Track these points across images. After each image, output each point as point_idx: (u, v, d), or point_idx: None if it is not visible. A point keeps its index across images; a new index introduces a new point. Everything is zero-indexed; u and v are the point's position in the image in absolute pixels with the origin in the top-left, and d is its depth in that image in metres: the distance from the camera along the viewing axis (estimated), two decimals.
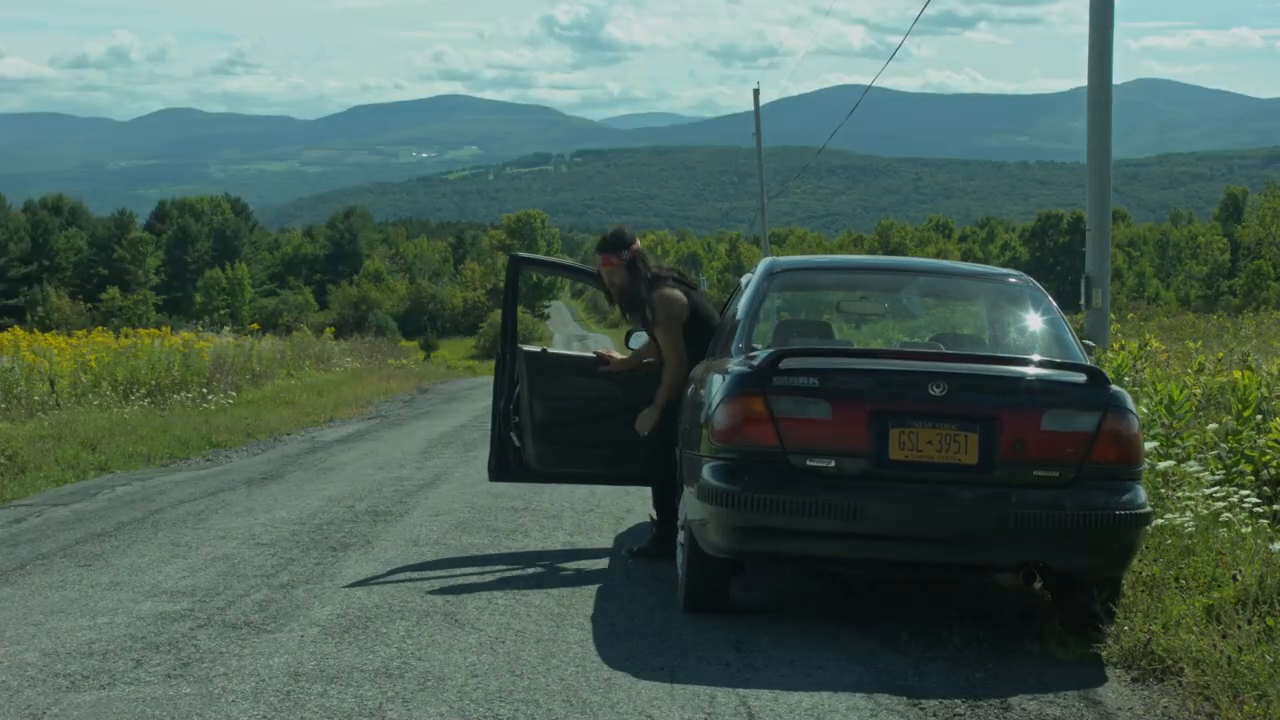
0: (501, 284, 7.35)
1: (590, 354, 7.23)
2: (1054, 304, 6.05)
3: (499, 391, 7.03)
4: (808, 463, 5.00)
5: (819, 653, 4.95)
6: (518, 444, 6.99)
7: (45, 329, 35.10)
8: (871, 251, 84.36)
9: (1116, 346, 10.61)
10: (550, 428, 6.90)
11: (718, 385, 5.30)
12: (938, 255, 76.39)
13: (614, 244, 6.79)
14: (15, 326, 22.45)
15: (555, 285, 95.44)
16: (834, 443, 5.00)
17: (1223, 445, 6.99)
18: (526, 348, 6.99)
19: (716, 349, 6.34)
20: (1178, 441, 7.30)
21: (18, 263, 78.39)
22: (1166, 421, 7.54)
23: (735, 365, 5.34)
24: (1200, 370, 10.16)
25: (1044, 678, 4.71)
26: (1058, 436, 4.99)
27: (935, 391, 5.00)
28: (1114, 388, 5.15)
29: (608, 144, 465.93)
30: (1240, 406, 7.13)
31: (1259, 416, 7.11)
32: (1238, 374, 7.76)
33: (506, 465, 7.07)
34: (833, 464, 4.99)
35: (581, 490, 8.99)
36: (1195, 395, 8.33)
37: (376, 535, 7.37)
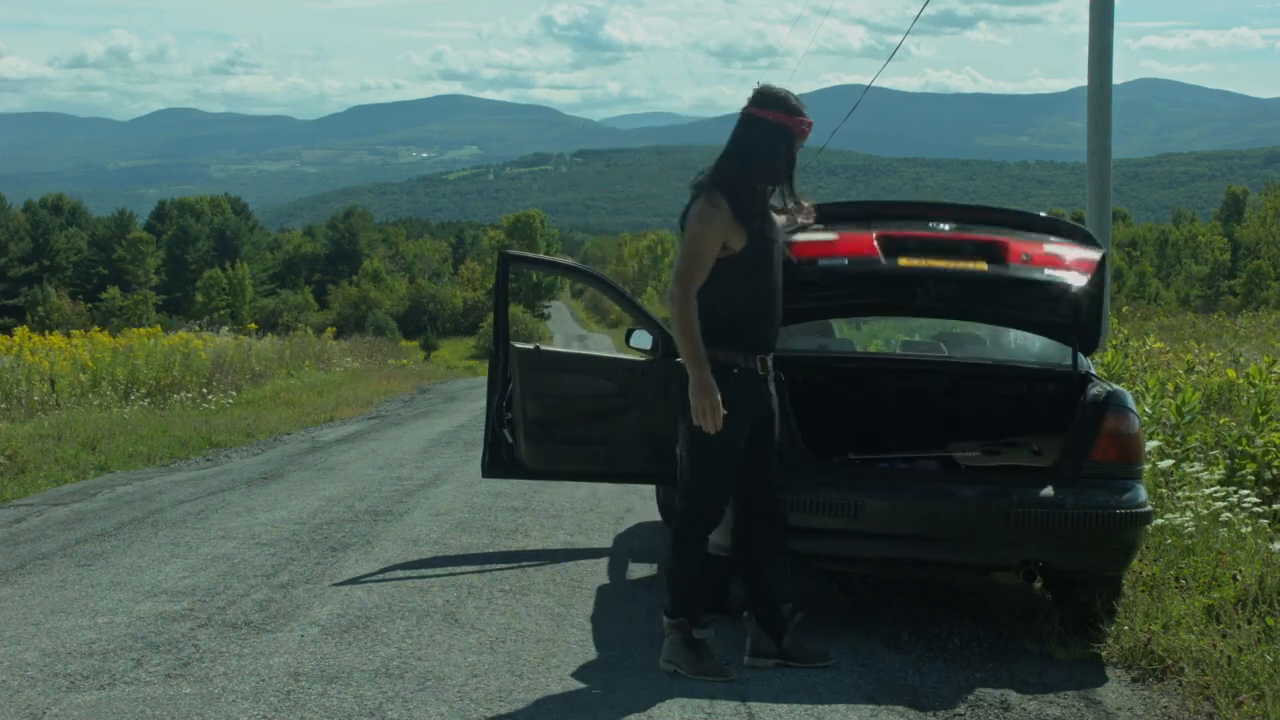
0: None
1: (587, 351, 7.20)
2: None
3: (493, 388, 7.03)
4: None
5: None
6: (511, 441, 6.98)
7: (45, 329, 35.12)
8: None
9: (1113, 344, 10.62)
10: (543, 425, 6.89)
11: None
12: None
13: None
14: (22, 327, 22.45)
15: (555, 285, 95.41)
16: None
17: (1224, 446, 6.99)
18: (519, 345, 6.98)
19: None
20: (1179, 442, 7.31)
21: (18, 263, 78.37)
22: (1173, 422, 7.54)
23: None
24: (1191, 370, 10.18)
25: (1044, 678, 4.71)
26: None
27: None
28: (1114, 387, 5.15)
29: (608, 144, 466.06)
30: (1259, 410, 7.13)
31: (1265, 418, 7.11)
32: (1232, 374, 7.78)
33: (500, 462, 7.07)
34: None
35: (582, 490, 8.99)
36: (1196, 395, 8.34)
37: (376, 535, 7.37)
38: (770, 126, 4.61)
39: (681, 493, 4.72)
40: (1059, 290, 5.30)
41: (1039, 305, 5.59)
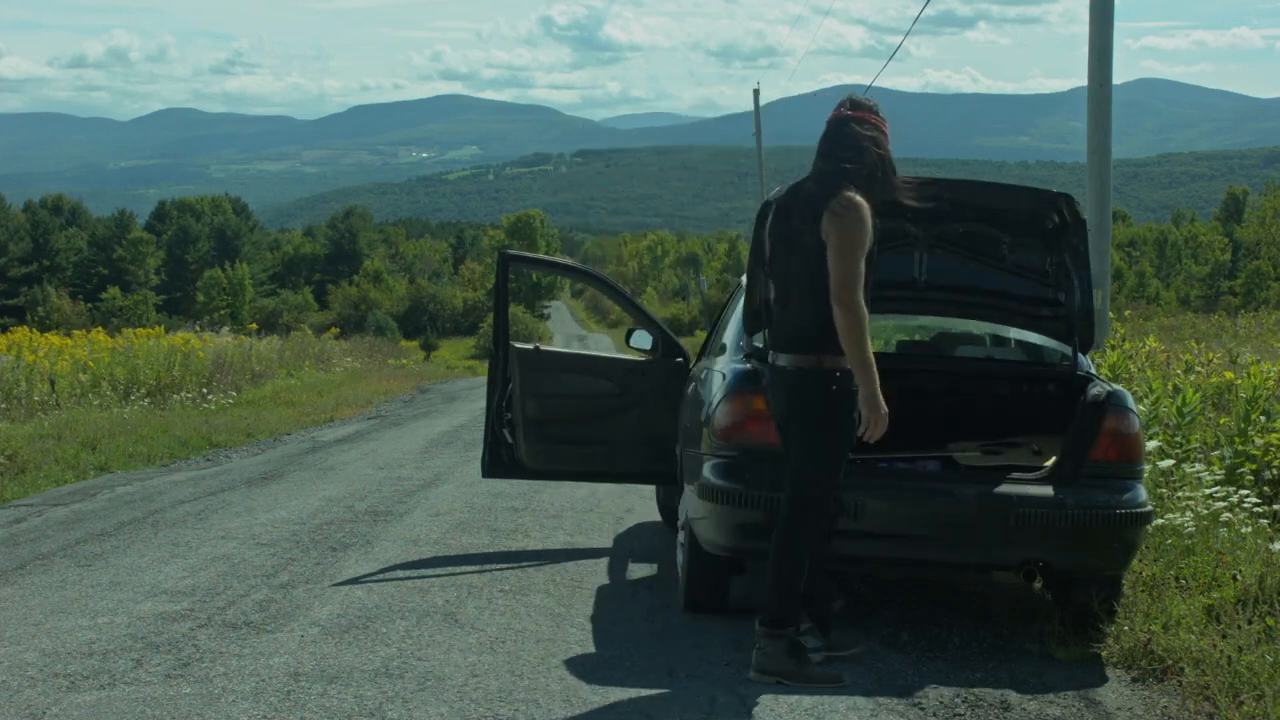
0: None
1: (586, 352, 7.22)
2: None
3: (492, 388, 7.04)
4: None
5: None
6: (510, 441, 6.99)
7: (45, 329, 35.13)
8: None
9: (1111, 344, 10.61)
10: (543, 425, 6.90)
11: (718, 383, 5.30)
12: None
13: None
14: (22, 327, 22.47)
15: (555, 285, 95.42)
16: None
17: (1225, 447, 6.98)
18: (519, 345, 6.99)
19: (716, 346, 6.34)
20: (1180, 442, 7.30)
21: (18, 263, 78.32)
22: (1174, 422, 7.54)
23: (736, 363, 5.35)
24: (1189, 370, 10.17)
25: (1044, 678, 4.71)
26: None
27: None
28: (1114, 386, 5.15)
29: (608, 144, 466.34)
30: (1247, 408, 7.12)
31: (1263, 418, 7.11)
32: (1230, 375, 7.77)
33: (500, 462, 7.08)
34: None
35: (582, 490, 9.00)
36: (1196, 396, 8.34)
37: (376, 535, 7.37)
38: (878, 129, 4.64)
39: (798, 495, 4.58)
40: (1048, 199, 5.39)
41: (1028, 222, 5.57)
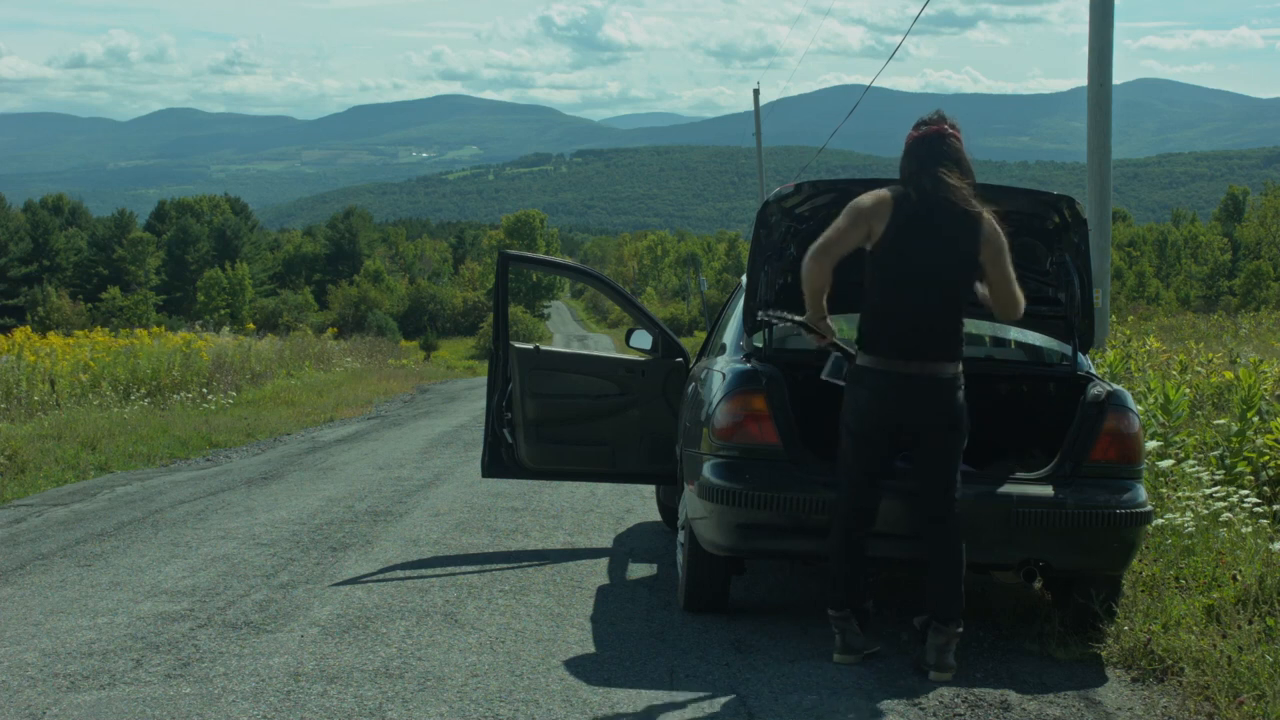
0: None
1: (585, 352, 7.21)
2: None
3: (492, 388, 7.04)
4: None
5: (819, 653, 4.94)
6: (510, 441, 6.99)
7: (45, 329, 35.14)
8: None
9: (1112, 345, 10.61)
10: (543, 425, 6.90)
11: (718, 383, 5.30)
12: None
13: None
14: (25, 327, 22.48)
15: (555, 285, 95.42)
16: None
17: (1223, 446, 6.98)
18: (519, 345, 6.99)
19: (716, 346, 6.34)
20: (1176, 441, 7.30)
21: (18, 263, 78.30)
22: (1163, 421, 7.55)
23: (736, 363, 5.35)
24: (1184, 370, 10.15)
25: (1044, 678, 4.71)
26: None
27: None
28: (1115, 386, 5.15)
29: (608, 144, 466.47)
30: (1244, 407, 7.12)
31: (1258, 418, 7.11)
32: (1229, 375, 7.75)
33: (500, 462, 7.08)
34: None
35: (581, 490, 9.00)
36: (1188, 395, 8.34)
37: (376, 535, 7.37)
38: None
39: (955, 496, 4.73)
40: (1049, 201, 5.41)
41: (1029, 222, 5.55)
